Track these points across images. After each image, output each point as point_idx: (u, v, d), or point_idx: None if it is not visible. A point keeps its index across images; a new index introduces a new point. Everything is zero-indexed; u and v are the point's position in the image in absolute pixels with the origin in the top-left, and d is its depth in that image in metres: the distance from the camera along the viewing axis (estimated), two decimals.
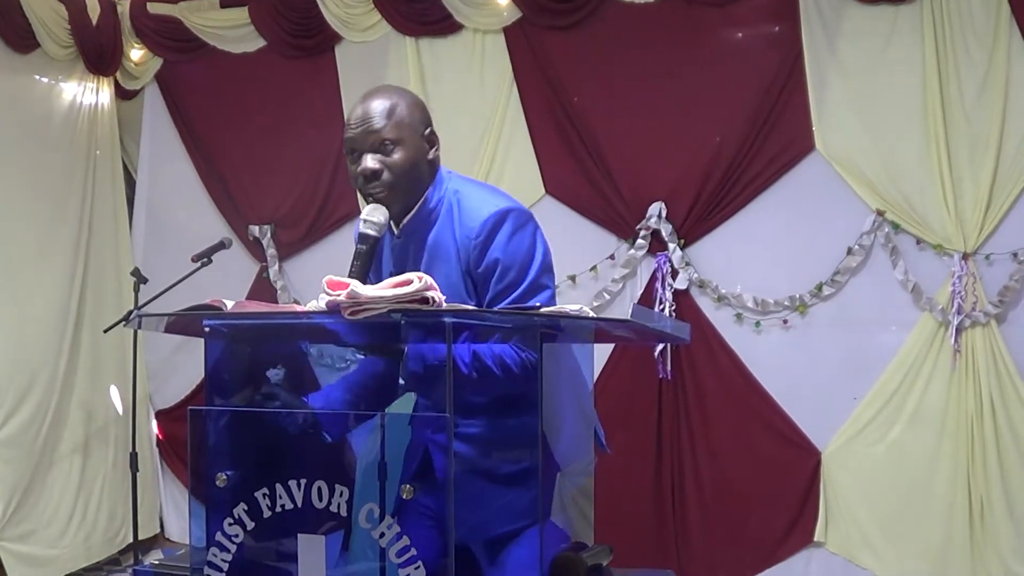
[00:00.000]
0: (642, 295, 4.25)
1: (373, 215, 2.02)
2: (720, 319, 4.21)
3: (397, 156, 2.03)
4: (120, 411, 4.96)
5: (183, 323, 2.11)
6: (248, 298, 4.83)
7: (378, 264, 2.15)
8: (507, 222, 2.02)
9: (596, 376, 3.47)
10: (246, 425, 1.90)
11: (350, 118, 2.08)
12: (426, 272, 1.86)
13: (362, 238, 2.00)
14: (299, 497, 1.79)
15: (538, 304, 1.94)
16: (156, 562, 4.66)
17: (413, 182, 2.06)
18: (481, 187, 2.18)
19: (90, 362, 4.88)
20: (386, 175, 2.03)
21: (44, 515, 4.62)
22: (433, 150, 2.11)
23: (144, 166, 5.27)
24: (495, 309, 1.96)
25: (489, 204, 2.05)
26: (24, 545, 4.48)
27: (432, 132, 2.12)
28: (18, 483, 4.48)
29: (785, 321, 4.14)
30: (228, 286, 4.53)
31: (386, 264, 2.15)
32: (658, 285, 4.21)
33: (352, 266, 1.98)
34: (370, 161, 2.03)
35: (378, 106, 2.05)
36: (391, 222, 2.07)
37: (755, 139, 4.11)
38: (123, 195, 5.21)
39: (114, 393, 4.99)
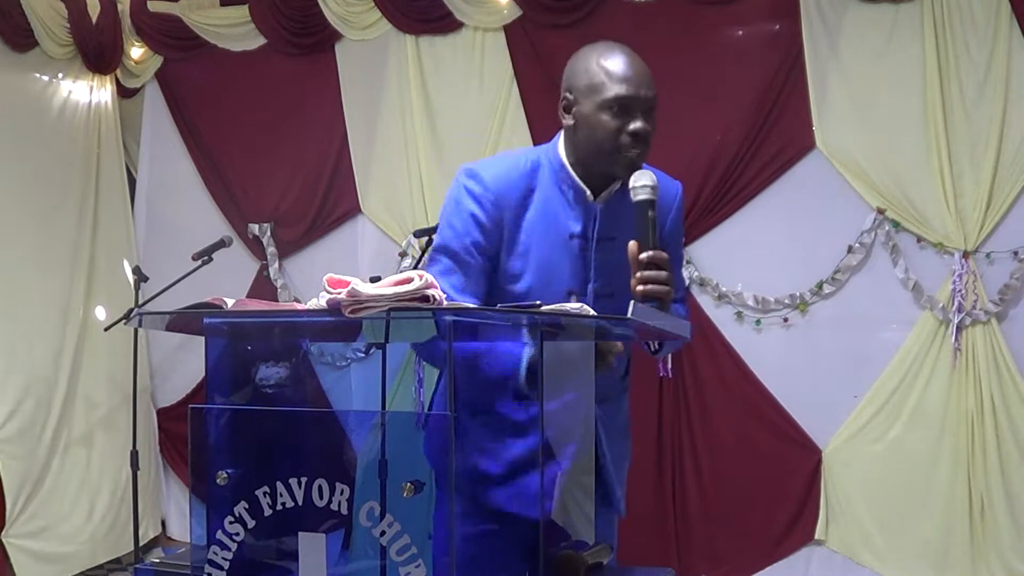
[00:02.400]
0: None
1: (646, 179, 1.98)
2: (721, 317, 4.22)
3: (652, 125, 2.05)
4: (104, 317, 4.89)
5: (183, 321, 2.10)
6: (248, 296, 4.83)
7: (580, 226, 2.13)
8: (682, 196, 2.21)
9: None
10: (246, 423, 1.90)
11: (624, 72, 2.02)
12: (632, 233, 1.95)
13: (646, 204, 1.96)
14: (300, 495, 1.79)
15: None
16: (157, 560, 4.66)
17: None
18: None
19: (94, 360, 4.87)
20: (647, 142, 2.04)
21: (60, 511, 4.61)
22: None
23: (144, 164, 5.27)
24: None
25: (668, 177, 2.17)
26: (35, 542, 4.48)
27: None
28: (25, 480, 4.47)
29: (786, 319, 4.14)
30: (228, 284, 4.53)
31: (572, 222, 2.11)
32: None
33: (645, 235, 1.95)
34: (644, 123, 2.02)
35: (648, 71, 2.05)
36: (593, 188, 2.11)
37: (755, 137, 4.11)
38: (126, 192, 5.21)
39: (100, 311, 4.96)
